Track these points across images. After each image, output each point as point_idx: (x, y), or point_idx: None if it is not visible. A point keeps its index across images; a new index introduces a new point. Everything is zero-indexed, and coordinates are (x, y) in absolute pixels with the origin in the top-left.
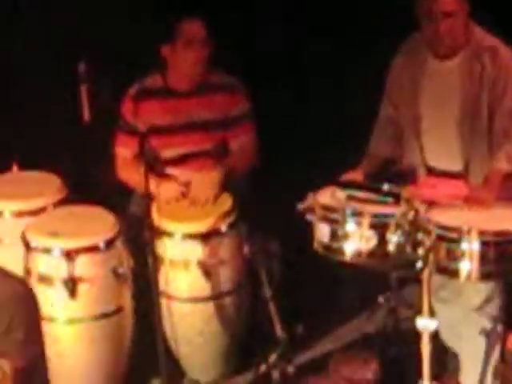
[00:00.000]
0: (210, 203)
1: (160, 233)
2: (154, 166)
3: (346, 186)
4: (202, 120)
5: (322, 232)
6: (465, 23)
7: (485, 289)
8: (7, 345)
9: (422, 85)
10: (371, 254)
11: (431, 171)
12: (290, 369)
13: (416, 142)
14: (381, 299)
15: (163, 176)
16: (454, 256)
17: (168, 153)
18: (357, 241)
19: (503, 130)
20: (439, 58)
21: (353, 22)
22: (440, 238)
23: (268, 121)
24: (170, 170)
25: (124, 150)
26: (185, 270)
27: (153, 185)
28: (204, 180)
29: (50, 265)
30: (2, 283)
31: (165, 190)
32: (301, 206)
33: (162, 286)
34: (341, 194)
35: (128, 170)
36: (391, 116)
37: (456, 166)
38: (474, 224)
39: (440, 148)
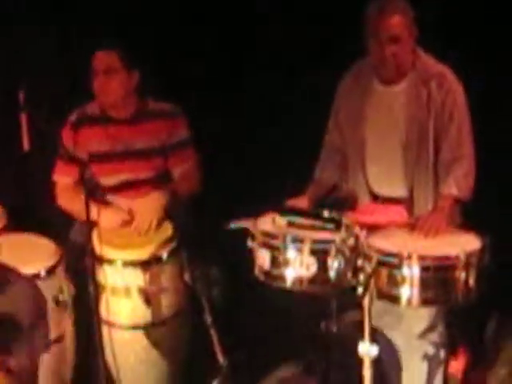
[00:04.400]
0: (153, 229)
1: (101, 260)
2: (95, 194)
3: (286, 212)
4: (141, 147)
5: (263, 258)
6: (411, 49)
7: (427, 316)
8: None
9: (367, 109)
10: (312, 280)
11: (375, 197)
12: None
13: (360, 168)
14: (322, 325)
15: (104, 203)
16: (395, 282)
17: (108, 180)
18: (297, 267)
19: (450, 156)
20: (385, 83)
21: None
22: (380, 263)
23: (208, 145)
24: (111, 198)
25: (64, 178)
26: (126, 297)
27: (94, 212)
28: (146, 206)
29: None
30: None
31: (106, 218)
32: (232, 225)
33: (103, 313)
34: (281, 221)
35: (68, 197)
36: (337, 142)
37: (400, 192)
38: (414, 249)
39: (385, 174)
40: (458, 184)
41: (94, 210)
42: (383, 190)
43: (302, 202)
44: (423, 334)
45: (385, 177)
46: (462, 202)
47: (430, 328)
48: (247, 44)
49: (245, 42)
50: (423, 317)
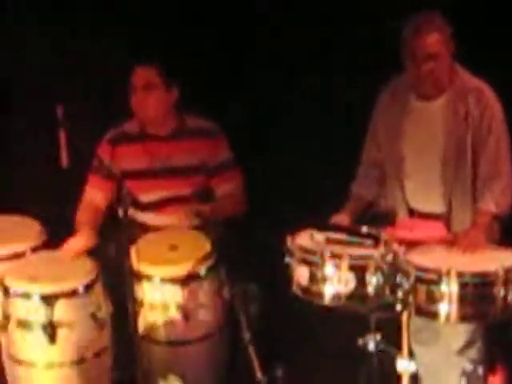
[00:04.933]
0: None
1: (139, 276)
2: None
3: (324, 228)
4: (178, 165)
5: (301, 275)
6: (449, 65)
7: (465, 332)
8: None
9: (405, 126)
10: (350, 296)
11: (413, 213)
12: None
13: (398, 184)
14: (360, 342)
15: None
16: (433, 298)
17: (146, 197)
18: (335, 283)
19: (488, 171)
20: (423, 99)
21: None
22: (419, 279)
23: (248, 162)
24: (147, 215)
25: (94, 191)
26: (164, 313)
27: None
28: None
29: (29, 310)
30: None
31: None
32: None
33: (141, 329)
34: (319, 237)
35: (86, 212)
36: (375, 158)
37: (438, 208)
38: (452, 265)
39: (422, 190)
40: (496, 201)
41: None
42: (421, 206)
43: (341, 219)
44: (461, 351)
45: (423, 192)
46: (500, 218)
47: (468, 344)
48: (247, 45)
49: (245, 43)
50: (461, 333)
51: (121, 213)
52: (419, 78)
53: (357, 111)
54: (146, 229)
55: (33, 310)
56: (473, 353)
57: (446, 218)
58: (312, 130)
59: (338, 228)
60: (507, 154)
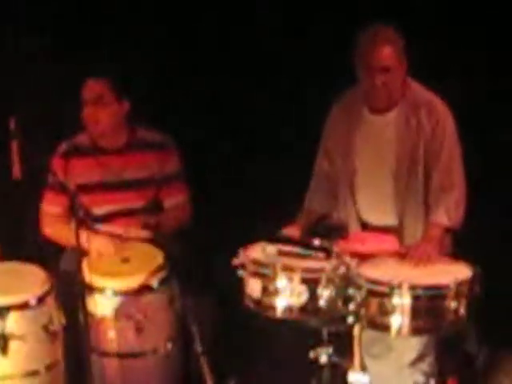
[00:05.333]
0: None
1: (91, 289)
2: (85, 223)
3: (276, 240)
4: (131, 178)
5: (253, 287)
6: (402, 78)
7: (417, 345)
8: None
9: (357, 138)
10: (302, 309)
11: (365, 226)
12: None
13: (350, 197)
14: (312, 354)
15: (94, 231)
16: (385, 311)
17: (99, 210)
18: (288, 296)
19: (441, 184)
20: (375, 112)
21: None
22: (371, 292)
23: (200, 176)
24: (102, 227)
25: (53, 208)
26: (116, 326)
27: (84, 239)
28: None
29: None
30: None
31: (97, 245)
32: (236, 261)
33: (93, 342)
34: (271, 249)
35: (56, 226)
36: (327, 171)
37: (390, 220)
38: (404, 278)
39: (374, 203)
40: (449, 214)
41: (84, 236)
42: (373, 219)
43: (293, 231)
44: (413, 363)
45: (374, 205)
46: (452, 231)
47: (420, 357)
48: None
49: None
50: (413, 346)
51: (73, 225)
52: (372, 90)
53: (291, 165)
54: None
55: None
56: (425, 365)
57: (398, 231)
58: (246, 183)
59: (290, 241)
60: (459, 167)
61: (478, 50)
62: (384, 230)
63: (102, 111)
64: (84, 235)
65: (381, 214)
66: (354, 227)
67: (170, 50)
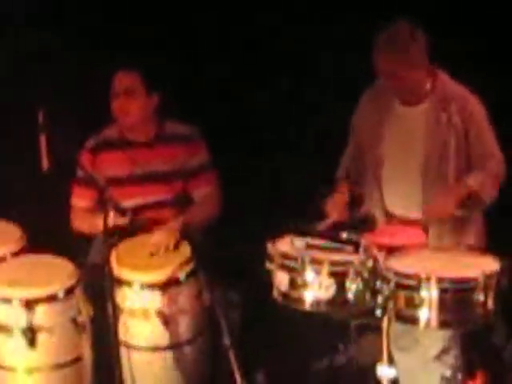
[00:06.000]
0: (171, 252)
1: (119, 282)
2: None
3: (304, 234)
4: (159, 171)
5: (281, 280)
6: (421, 75)
7: (442, 338)
8: None
9: (386, 129)
10: (330, 302)
11: (390, 217)
12: None
13: (377, 187)
14: (341, 347)
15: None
16: (413, 304)
17: (127, 203)
18: (316, 289)
19: (482, 155)
20: (405, 104)
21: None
22: (399, 285)
23: (228, 168)
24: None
25: (81, 202)
26: (144, 319)
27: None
28: (164, 229)
29: (9, 314)
30: None
31: (159, 237)
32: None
33: (121, 335)
34: (299, 242)
35: (84, 220)
36: (355, 162)
37: (416, 213)
38: (432, 271)
39: (401, 195)
40: (482, 183)
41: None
42: (399, 211)
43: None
44: (439, 357)
45: (401, 198)
46: (478, 204)
47: (446, 350)
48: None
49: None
50: (438, 339)
51: (103, 220)
52: (389, 89)
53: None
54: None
55: (13, 315)
56: (450, 359)
57: (423, 224)
58: (273, 177)
59: (318, 234)
60: (499, 155)
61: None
62: (410, 222)
63: (132, 104)
64: (111, 216)
65: (407, 206)
66: (380, 219)
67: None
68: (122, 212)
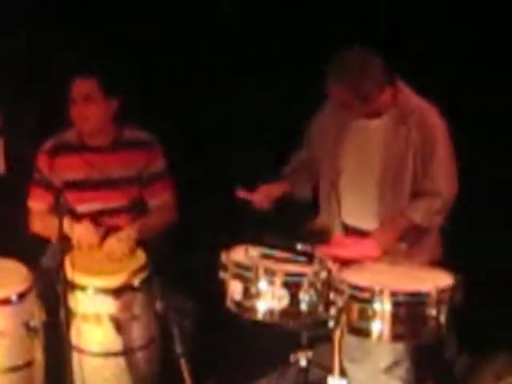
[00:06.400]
0: (126, 258)
1: (73, 286)
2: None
3: (259, 244)
4: (116, 176)
5: (235, 289)
6: (373, 96)
7: (392, 351)
8: None
9: (344, 139)
10: (283, 312)
11: (347, 228)
12: None
13: (334, 198)
14: (292, 358)
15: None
16: (366, 316)
17: (83, 208)
18: (269, 299)
19: (427, 188)
20: (363, 117)
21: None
22: (352, 297)
23: (185, 175)
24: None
25: (38, 204)
26: (97, 324)
27: (68, 227)
28: (119, 235)
29: None
30: None
31: (80, 232)
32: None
33: (73, 339)
34: (254, 252)
35: (43, 223)
36: (305, 160)
37: (371, 225)
38: (386, 284)
39: (357, 206)
40: (425, 215)
41: (67, 224)
42: (355, 222)
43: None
44: (389, 369)
45: (358, 210)
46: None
47: (397, 363)
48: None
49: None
50: (388, 352)
51: (57, 223)
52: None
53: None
54: None
55: None
56: (401, 372)
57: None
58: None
59: (273, 244)
60: (450, 178)
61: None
62: (366, 234)
63: (90, 109)
64: (68, 224)
65: (363, 217)
66: (336, 229)
67: (158, 49)
68: (76, 216)
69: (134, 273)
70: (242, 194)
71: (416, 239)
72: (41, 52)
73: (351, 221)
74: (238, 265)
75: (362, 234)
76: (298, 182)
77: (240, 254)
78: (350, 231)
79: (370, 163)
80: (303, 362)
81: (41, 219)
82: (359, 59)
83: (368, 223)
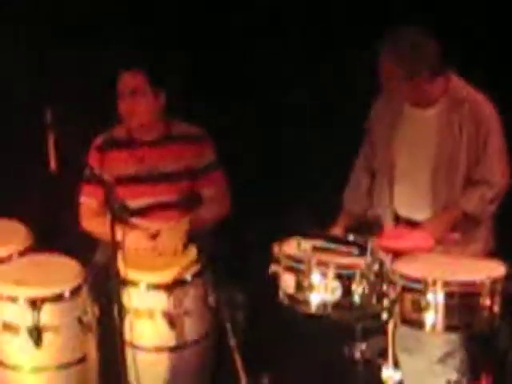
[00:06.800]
0: (179, 253)
1: (125, 282)
2: (121, 216)
3: (311, 236)
4: (166, 171)
5: (287, 283)
6: (424, 80)
7: (447, 341)
8: None
9: (398, 131)
10: (336, 305)
11: (400, 219)
12: None
13: (388, 189)
14: (346, 349)
15: (130, 225)
16: (419, 307)
17: (134, 203)
18: (322, 292)
19: (481, 177)
20: (416, 107)
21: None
22: (405, 289)
23: (238, 169)
24: (136, 221)
25: (90, 200)
26: (150, 319)
27: (120, 234)
28: (172, 230)
29: (16, 313)
30: None
31: (132, 240)
32: (272, 269)
33: (126, 335)
34: (306, 245)
35: (92, 220)
36: (369, 164)
37: (424, 215)
38: (438, 275)
39: (411, 197)
40: (478, 204)
41: (119, 231)
42: (408, 213)
43: (337, 231)
44: (443, 360)
45: (411, 200)
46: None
47: (450, 354)
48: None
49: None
50: (444, 342)
51: (109, 218)
52: (398, 96)
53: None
54: None
55: (19, 314)
56: (455, 362)
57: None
58: (283, 180)
59: (324, 236)
60: (503, 167)
61: None
62: (418, 224)
63: (138, 104)
64: (119, 229)
65: (416, 208)
66: (388, 220)
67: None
68: (128, 211)
69: (186, 267)
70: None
71: (469, 228)
72: (90, 46)
73: (404, 211)
74: (291, 257)
75: (414, 224)
76: (358, 204)
77: (292, 247)
78: (402, 222)
79: (424, 153)
80: (357, 354)
81: (91, 217)
82: (413, 36)
83: (421, 214)
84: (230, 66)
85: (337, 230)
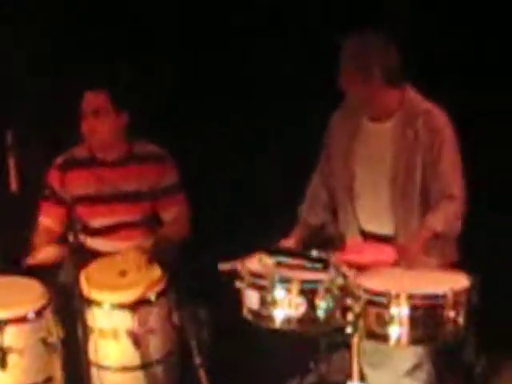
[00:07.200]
0: (142, 270)
1: (89, 302)
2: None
3: (274, 252)
4: (128, 190)
5: (251, 299)
6: (381, 92)
7: (413, 354)
8: None
9: (356, 144)
10: (300, 320)
11: (363, 234)
12: None
13: (349, 203)
14: (311, 365)
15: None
16: (384, 321)
17: (95, 223)
18: (286, 307)
19: (440, 193)
20: (373, 121)
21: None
22: (369, 303)
23: (196, 188)
24: (98, 241)
25: (47, 220)
26: (114, 339)
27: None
28: (134, 247)
29: None
30: None
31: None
32: (222, 266)
33: (91, 355)
34: (269, 261)
35: (41, 240)
36: (326, 179)
37: (387, 229)
38: (402, 288)
39: (372, 211)
40: (445, 222)
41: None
42: (371, 227)
43: (288, 244)
44: (410, 373)
45: (372, 213)
46: (444, 237)
47: (417, 366)
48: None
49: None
50: (409, 355)
51: (71, 238)
52: (355, 105)
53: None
54: (96, 255)
55: None
56: (422, 375)
57: (393, 240)
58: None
59: (287, 252)
60: (459, 179)
61: None
62: (381, 238)
63: (100, 124)
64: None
65: (378, 222)
66: (353, 235)
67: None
68: (90, 231)
69: (150, 287)
70: (224, 266)
71: (439, 245)
72: (52, 67)
73: (366, 225)
74: (254, 274)
75: (379, 239)
76: (314, 216)
77: (255, 263)
78: (367, 237)
79: (381, 167)
80: (322, 369)
81: (43, 235)
82: (374, 40)
83: (384, 228)
84: (230, 66)
85: (290, 242)
